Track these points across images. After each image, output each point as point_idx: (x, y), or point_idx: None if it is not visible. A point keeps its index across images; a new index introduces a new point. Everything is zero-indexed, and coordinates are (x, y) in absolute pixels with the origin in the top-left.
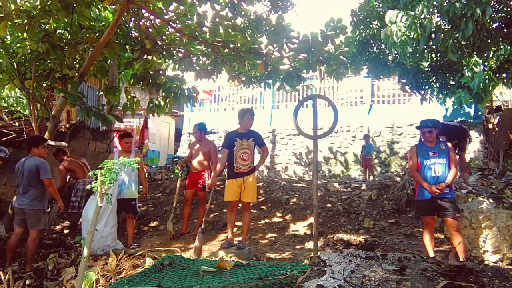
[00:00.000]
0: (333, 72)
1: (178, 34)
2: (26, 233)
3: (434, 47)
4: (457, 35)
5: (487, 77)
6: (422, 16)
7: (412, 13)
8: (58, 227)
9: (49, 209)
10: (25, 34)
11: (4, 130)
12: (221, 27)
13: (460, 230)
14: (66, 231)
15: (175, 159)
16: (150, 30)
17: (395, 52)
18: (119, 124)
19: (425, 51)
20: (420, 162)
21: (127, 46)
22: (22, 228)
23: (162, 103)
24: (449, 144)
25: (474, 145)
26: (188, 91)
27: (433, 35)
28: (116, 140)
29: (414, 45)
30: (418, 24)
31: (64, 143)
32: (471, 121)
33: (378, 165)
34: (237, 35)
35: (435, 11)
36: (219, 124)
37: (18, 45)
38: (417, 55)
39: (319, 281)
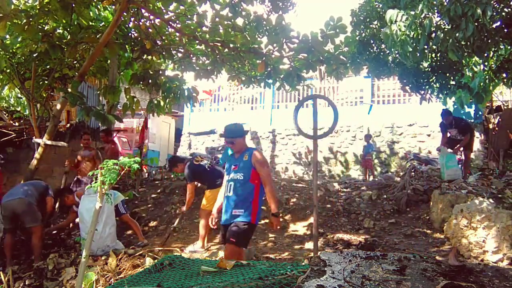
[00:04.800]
0: (333, 72)
1: (178, 34)
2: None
3: (434, 47)
4: (457, 35)
5: (487, 77)
6: (422, 16)
7: (412, 12)
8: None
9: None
10: (24, 34)
11: (4, 130)
12: (221, 27)
13: None
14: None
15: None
16: (150, 30)
17: (396, 51)
18: (119, 124)
19: (425, 50)
20: None
21: (127, 46)
22: (13, 226)
23: (162, 103)
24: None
25: (474, 145)
26: (188, 91)
27: (433, 35)
28: (116, 140)
29: (414, 44)
30: (418, 23)
31: (64, 143)
32: (471, 121)
33: (378, 165)
34: (237, 35)
35: (435, 10)
36: (219, 124)
37: (17, 45)
38: (417, 54)
39: (319, 281)
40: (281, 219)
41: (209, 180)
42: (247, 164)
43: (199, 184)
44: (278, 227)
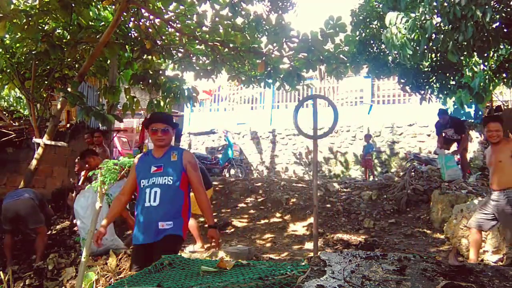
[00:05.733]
0: (333, 71)
1: (177, 34)
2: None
3: (434, 48)
4: (457, 36)
5: (487, 77)
6: (422, 18)
7: (413, 14)
8: (58, 227)
9: None
10: (24, 34)
11: (4, 130)
12: (221, 27)
13: None
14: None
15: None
16: (150, 30)
17: (396, 53)
18: (119, 124)
19: (425, 51)
20: None
21: (126, 46)
22: (13, 227)
23: (162, 103)
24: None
25: (474, 145)
26: (188, 91)
27: (433, 36)
28: (116, 140)
29: (414, 46)
30: (419, 26)
31: (63, 143)
32: (471, 121)
33: (378, 165)
34: (236, 35)
35: (435, 11)
36: (219, 124)
37: (17, 45)
38: (418, 55)
39: (319, 281)
40: (281, 219)
41: None
42: (176, 166)
43: None
44: (220, 241)
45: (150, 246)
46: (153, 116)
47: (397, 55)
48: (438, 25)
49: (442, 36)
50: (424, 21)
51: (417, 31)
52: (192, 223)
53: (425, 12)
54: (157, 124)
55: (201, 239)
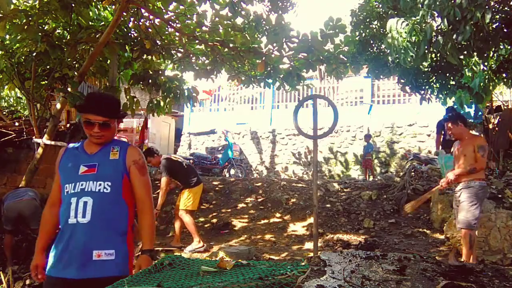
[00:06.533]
0: (333, 71)
1: (177, 34)
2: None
3: (434, 50)
4: (457, 38)
5: (487, 77)
6: (422, 21)
7: (413, 18)
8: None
9: None
10: (24, 34)
11: (4, 130)
12: (221, 27)
13: None
14: None
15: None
16: (150, 30)
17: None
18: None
19: (426, 54)
20: None
21: (126, 46)
22: (15, 228)
23: (162, 103)
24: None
25: None
26: (188, 91)
27: (433, 39)
28: None
29: (415, 49)
30: (419, 29)
31: (63, 143)
32: (471, 121)
33: (378, 165)
34: (236, 35)
35: (435, 14)
36: (219, 124)
37: (17, 45)
38: (419, 58)
39: (319, 281)
40: (281, 219)
41: (184, 177)
42: (116, 166)
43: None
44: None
45: (76, 283)
46: (89, 103)
47: (398, 58)
48: (438, 26)
49: (442, 38)
50: (424, 24)
51: (418, 34)
52: (187, 219)
53: (425, 15)
54: (93, 116)
55: (198, 235)
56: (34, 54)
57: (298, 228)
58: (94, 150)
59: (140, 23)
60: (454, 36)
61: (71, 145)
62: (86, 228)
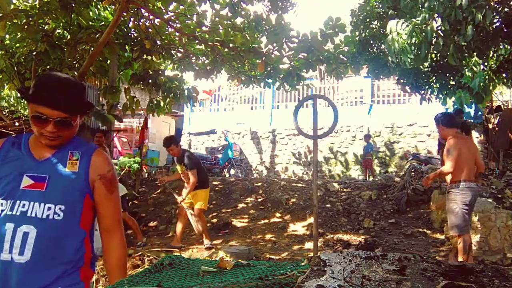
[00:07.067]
0: (333, 71)
1: (177, 34)
2: None
3: (435, 51)
4: (458, 39)
5: (487, 77)
6: (423, 23)
7: (414, 20)
8: None
9: None
10: (24, 34)
11: (4, 130)
12: (221, 27)
13: None
14: None
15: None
16: (150, 30)
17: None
18: (119, 124)
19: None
20: None
21: (126, 46)
22: None
23: (162, 103)
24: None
25: None
26: (188, 91)
27: (434, 40)
28: (116, 140)
29: (415, 51)
30: (419, 31)
31: None
32: (471, 121)
33: (378, 165)
34: (236, 35)
35: (436, 15)
36: (219, 124)
37: (17, 45)
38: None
39: (319, 281)
40: (281, 219)
41: (201, 176)
42: (74, 183)
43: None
44: None
45: None
46: (41, 91)
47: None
48: (439, 28)
49: (442, 40)
50: (425, 26)
51: (418, 36)
52: (204, 218)
53: (426, 17)
54: (47, 110)
55: (207, 234)
56: (34, 54)
57: (298, 228)
58: (44, 154)
59: (140, 23)
60: (456, 38)
61: (11, 138)
62: (23, 269)
